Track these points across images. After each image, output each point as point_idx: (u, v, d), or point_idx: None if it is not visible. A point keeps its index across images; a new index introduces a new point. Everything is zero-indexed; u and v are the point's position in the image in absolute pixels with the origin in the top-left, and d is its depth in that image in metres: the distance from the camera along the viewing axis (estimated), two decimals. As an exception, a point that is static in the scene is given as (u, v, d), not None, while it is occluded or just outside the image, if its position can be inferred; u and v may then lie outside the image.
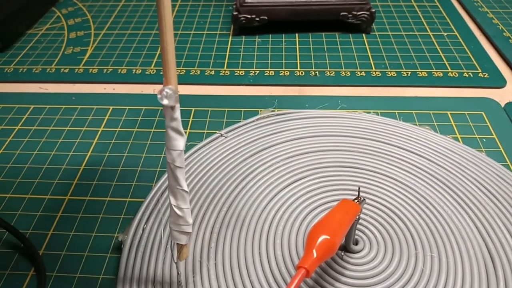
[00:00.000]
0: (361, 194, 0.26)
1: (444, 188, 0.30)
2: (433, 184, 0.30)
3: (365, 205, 0.29)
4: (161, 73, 0.43)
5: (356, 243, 0.27)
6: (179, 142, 0.21)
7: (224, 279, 0.25)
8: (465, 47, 0.47)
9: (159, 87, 0.43)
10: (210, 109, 0.39)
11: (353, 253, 0.26)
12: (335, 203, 0.29)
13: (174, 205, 0.22)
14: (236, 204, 0.29)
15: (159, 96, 0.20)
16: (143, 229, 0.28)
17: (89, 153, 0.35)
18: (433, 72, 0.43)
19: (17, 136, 0.37)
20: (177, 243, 0.23)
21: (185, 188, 0.22)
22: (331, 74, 0.43)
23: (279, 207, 0.29)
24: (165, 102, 0.20)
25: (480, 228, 0.27)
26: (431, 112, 0.38)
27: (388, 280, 0.25)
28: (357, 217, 0.24)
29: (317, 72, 0.43)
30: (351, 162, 0.32)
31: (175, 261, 0.25)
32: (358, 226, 0.27)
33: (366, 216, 0.28)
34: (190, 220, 0.23)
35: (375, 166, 0.31)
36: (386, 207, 0.29)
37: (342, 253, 0.26)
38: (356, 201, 0.25)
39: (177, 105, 0.20)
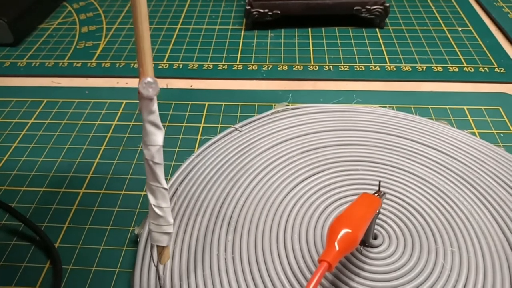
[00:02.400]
0: (380, 188, 0.26)
1: (463, 183, 0.29)
2: (452, 178, 0.30)
3: (383, 201, 0.28)
4: (175, 67, 0.43)
5: (375, 238, 0.26)
6: (158, 137, 0.20)
7: (242, 273, 0.25)
8: (480, 42, 0.46)
9: (172, 81, 0.43)
10: (223, 103, 0.39)
11: (373, 247, 0.26)
12: (353, 197, 0.29)
13: (154, 205, 0.21)
14: (253, 198, 0.29)
15: (140, 87, 0.19)
16: (159, 223, 0.28)
17: (103, 147, 0.35)
18: (448, 67, 0.42)
19: (31, 129, 0.37)
20: (157, 245, 0.22)
21: (165, 185, 0.21)
22: (345, 69, 0.43)
23: (296, 201, 0.29)
24: (146, 93, 0.19)
25: (501, 223, 0.27)
26: (447, 107, 0.38)
27: (409, 274, 0.24)
28: (377, 211, 0.24)
29: (331, 67, 0.43)
30: (368, 156, 0.31)
31: (155, 265, 0.24)
32: (377, 220, 0.27)
33: (385, 210, 0.28)
34: (171, 220, 0.22)
35: (392, 161, 0.31)
36: (404, 202, 0.28)
37: (361, 248, 0.25)
38: (376, 195, 0.25)
39: (155, 97, 0.19)
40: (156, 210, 0.21)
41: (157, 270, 0.24)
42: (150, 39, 0.49)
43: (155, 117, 0.19)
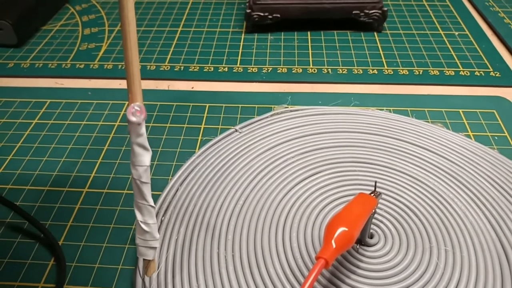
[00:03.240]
0: (376, 188, 0.27)
1: (458, 184, 0.30)
2: (446, 180, 0.30)
3: (379, 201, 0.29)
4: (176, 69, 0.44)
5: (371, 237, 0.27)
6: (145, 158, 0.21)
7: (242, 270, 0.25)
8: (476, 46, 0.47)
9: (173, 83, 0.44)
10: (224, 105, 0.40)
11: (369, 246, 0.26)
12: (350, 198, 0.29)
13: (141, 221, 0.22)
14: (252, 198, 0.30)
15: (129, 112, 0.20)
16: (161, 221, 0.28)
17: (105, 147, 0.36)
18: (444, 71, 0.43)
19: (35, 129, 0.38)
20: (144, 259, 0.23)
21: (152, 203, 0.22)
22: (344, 72, 0.43)
23: (295, 201, 0.29)
24: (134, 119, 0.20)
25: (494, 224, 0.28)
26: (443, 110, 0.38)
27: (403, 272, 0.25)
28: (373, 210, 0.25)
29: (329, 70, 0.44)
30: (365, 158, 0.32)
31: (142, 277, 0.25)
32: (373, 220, 0.28)
33: (380, 210, 0.29)
34: (157, 235, 0.23)
35: (389, 162, 0.32)
36: (400, 202, 0.29)
37: (358, 246, 0.26)
38: (372, 195, 0.25)
39: (143, 121, 0.20)
40: (143, 226, 0.22)
41: (144, 283, 0.25)
42: (153, 41, 0.49)
43: (143, 140, 0.20)
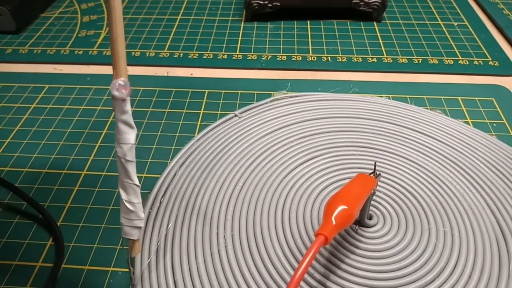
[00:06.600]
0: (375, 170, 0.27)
1: (456, 168, 0.30)
2: (445, 164, 0.30)
3: (378, 183, 0.29)
4: (175, 56, 0.44)
5: (370, 218, 0.27)
6: (130, 135, 0.20)
7: (241, 249, 0.25)
8: (475, 36, 0.47)
9: (173, 69, 0.44)
10: (223, 91, 0.40)
11: (368, 227, 0.26)
12: (349, 180, 0.29)
13: (126, 200, 0.22)
14: (252, 180, 0.30)
15: (113, 88, 0.19)
16: (160, 203, 0.28)
17: (104, 131, 0.36)
18: (444, 60, 0.43)
19: (33, 114, 0.37)
20: (129, 239, 0.23)
21: (136, 182, 0.22)
22: (343, 60, 0.43)
23: (294, 183, 0.29)
24: (119, 94, 0.19)
25: (492, 206, 0.28)
26: (442, 97, 0.38)
27: (402, 253, 0.25)
28: (373, 191, 0.25)
29: (329, 58, 0.44)
30: (364, 142, 0.32)
31: (127, 257, 0.25)
32: (372, 202, 0.28)
33: (380, 193, 0.29)
34: (142, 215, 0.23)
35: (388, 146, 0.32)
36: (399, 185, 0.29)
37: (357, 227, 0.26)
38: (372, 175, 0.25)
39: (128, 98, 0.20)
40: (128, 205, 0.22)
41: (129, 264, 0.25)
42: (152, 28, 0.49)
43: (128, 117, 0.20)
